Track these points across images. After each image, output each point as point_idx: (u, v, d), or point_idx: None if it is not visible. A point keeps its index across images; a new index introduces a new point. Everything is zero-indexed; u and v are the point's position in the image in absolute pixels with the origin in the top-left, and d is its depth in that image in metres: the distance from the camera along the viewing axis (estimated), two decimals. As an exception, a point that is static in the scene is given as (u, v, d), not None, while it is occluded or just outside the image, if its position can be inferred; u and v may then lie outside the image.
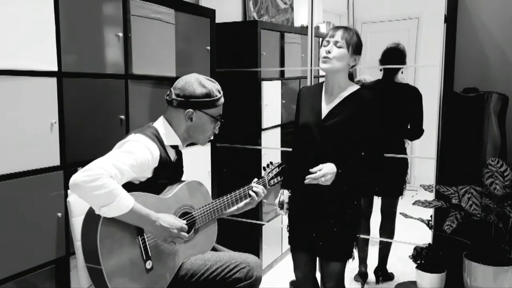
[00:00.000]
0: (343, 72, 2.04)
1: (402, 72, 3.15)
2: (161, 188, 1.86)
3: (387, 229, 3.19)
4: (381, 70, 3.14)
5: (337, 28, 2.03)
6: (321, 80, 2.47)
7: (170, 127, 1.91)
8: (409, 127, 3.11)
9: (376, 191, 3.13)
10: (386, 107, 2.24)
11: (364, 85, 2.19)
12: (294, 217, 2.20)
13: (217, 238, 2.03)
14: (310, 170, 1.94)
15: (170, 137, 1.90)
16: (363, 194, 2.18)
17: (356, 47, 2.01)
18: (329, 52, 1.98)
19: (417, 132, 3.10)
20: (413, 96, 3.04)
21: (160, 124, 1.91)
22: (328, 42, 2.00)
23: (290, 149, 2.30)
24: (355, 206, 2.09)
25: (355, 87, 2.07)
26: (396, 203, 3.17)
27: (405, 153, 3.11)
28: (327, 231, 2.06)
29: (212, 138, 2.02)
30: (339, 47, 1.98)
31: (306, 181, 1.94)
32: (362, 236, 3.09)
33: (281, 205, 2.23)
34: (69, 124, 1.93)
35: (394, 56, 3.12)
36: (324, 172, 1.92)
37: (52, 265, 1.90)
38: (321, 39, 2.11)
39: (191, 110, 1.87)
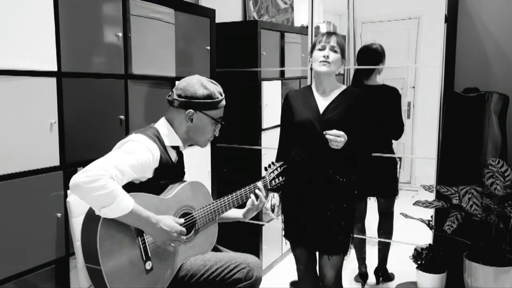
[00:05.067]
0: (334, 74, 2.19)
1: (379, 73, 3.11)
2: (162, 188, 1.85)
3: (385, 229, 3.18)
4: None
5: (329, 33, 2.17)
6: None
7: (171, 128, 1.91)
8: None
9: (369, 192, 3.12)
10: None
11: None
12: (289, 215, 2.24)
13: (217, 238, 2.03)
14: (327, 131, 2.03)
15: (171, 138, 1.90)
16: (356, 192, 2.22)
17: (344, 52, 2.18)
18: (327, 56, 2.11)
19: (399, 131, 3.09)
20: (390, 96, 3.02)
21: (162, 125, 1.91)
22: (324, 46, 2.13)
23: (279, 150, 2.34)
24: (350, 198, 2.16)
25: (343, 86, 2.23)
26: (392, 203, 3.16)
27: (393, 153, 3.10)
28: (324, 226, 2.13)
29: (212, 139, 2.01)
30: (335, 52, 2.13)
31: (326, 135, 2.02)
32: (359, 236, 3.09)
33: (272, 208, 2.25)
34: (68, 124, 1.92)
35: (366, 57, 3.10)
36: (341, 133, 2.03)
37: (52, 265, 1.89)
38: (313, 41, 2.21)
39: (191, 111, 1.87)
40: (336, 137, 2.02)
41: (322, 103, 2.16)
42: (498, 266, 2.43)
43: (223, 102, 1.94)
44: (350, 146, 2.06)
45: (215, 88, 1.91)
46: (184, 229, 1.76)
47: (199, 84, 1.88)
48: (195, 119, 1.89)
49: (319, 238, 2.14)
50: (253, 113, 3.24)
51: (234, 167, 3.27)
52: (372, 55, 3.08)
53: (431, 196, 2.78)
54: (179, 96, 1.88)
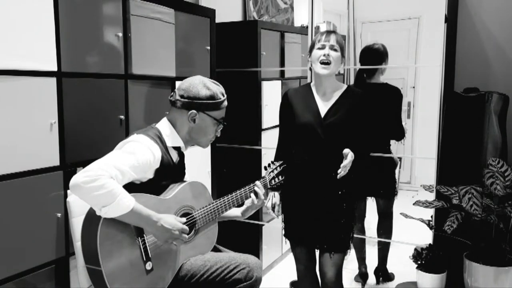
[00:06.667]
0: (334, 74, 2.15)
1: (382, 73, 3.11)
2: (162, 188, 1.85)
3: (385, 229, 3.18)
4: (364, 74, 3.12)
5: (329, 32, 2.13)
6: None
7: (174, 129, 1.91)
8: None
9: (368, 192, 3.12)
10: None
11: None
12: (290, 214, 2.23)
13: (217, 238, 2.03)
14: (339, 173, 1.96)
15: (173, 139, 1.90)
16: (357, 194, 2.21)
17: (344, 50, 2.14)
18: (328, 55, 2.07)
19: (398, 132, 3.08)
20: (391, 95, 3.01)
21: (163, 125, 1.91)
22: (324, 46, 2.09)
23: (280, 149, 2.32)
24: (350, 198, 2.16)
25: (344, 85, 2.19)
26: (391, 204, 3.15)
27: (390, 153, 3.09)
28: (325, 224, 2.13)
29: (213, 140, 2.01)
30: (335, 51, 2.09)
31: (340, 175, 1.96)
32: (359, 236, 3.09)
33: (273, 207, 2.25)
34: (68, 124, 1.92)
35: (368, 57, 3.09)
36: (349, 163, 1.96)
37: (52, 265, 1.90)
38: (312, 40, 2.18)
39: (194, 111, 1.87)
40: (347, 167, 1.96)
41: (323, 106, 2.13)
42: (498, 266, 2.43)
43: (225, 103, 1.95)
44: (351, 147, 2.04)
45: (218, 89, 1.91)
46: (186, 227, 1.76)
47: (202, 84, 1.88)
48: (197, 119, 1.89)
49: (320, 237, 2.14)
50: (253, 113, 3.24)
51: (234, 167, 3.27)
52: (374, 55, 3.08)
53: (431, 196, 2.78)
54: (182, 96, 1.88)
